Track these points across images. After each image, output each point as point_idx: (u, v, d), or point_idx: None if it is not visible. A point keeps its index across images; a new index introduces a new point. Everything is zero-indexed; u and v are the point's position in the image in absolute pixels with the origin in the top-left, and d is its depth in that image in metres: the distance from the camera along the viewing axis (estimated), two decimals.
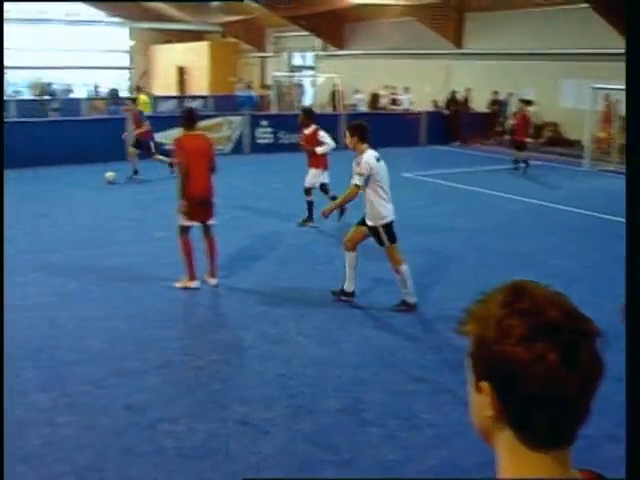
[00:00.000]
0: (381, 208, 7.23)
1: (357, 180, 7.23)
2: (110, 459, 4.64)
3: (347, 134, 7.53)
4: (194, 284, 7.93)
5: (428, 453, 4.77)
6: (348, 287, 7.55)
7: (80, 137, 17.65)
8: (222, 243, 8.55)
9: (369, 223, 7.30)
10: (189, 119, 8.12)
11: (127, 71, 41.56)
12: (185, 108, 8.69)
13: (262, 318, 7.14)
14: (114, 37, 40.33)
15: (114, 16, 38.79)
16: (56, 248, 9.82)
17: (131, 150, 15.74)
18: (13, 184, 14.74)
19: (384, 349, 6.43)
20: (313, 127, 11.22)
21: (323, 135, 11.06)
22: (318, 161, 11.11)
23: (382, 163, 7.37)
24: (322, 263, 8.94)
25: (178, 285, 7.94)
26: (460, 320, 1.26)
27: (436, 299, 7.74)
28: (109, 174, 14.90)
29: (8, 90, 36.80)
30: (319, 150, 11.00)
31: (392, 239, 7.29)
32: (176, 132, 7.94)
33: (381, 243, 7.33)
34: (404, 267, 7.28)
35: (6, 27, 35.77)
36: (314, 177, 11.13)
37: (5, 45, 33.65)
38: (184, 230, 7.92)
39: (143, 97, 24.38)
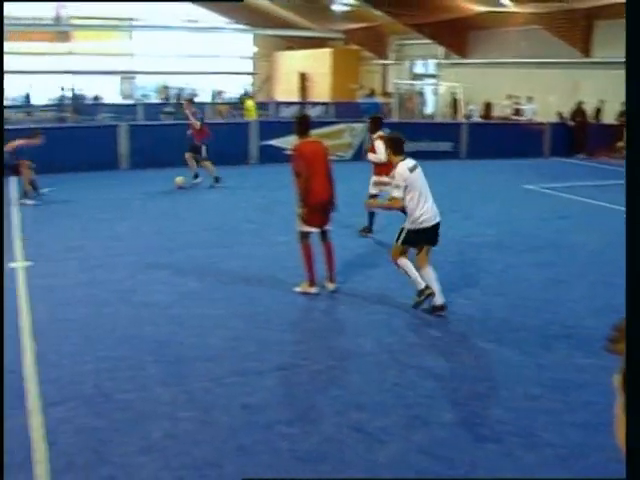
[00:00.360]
0: (416, 213, 7.29)
1: (395, 192, 7.32)
2: (227, 456, 4.72)
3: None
4: (314, 290, 8.00)
5: (546, 473, 4.63)
6: (437, 300, 7.46)
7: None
8: (340, 249, 8.60)
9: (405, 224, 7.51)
10: (304, 126, 8.10)
11: (250, 77, 42.45)
12: (298, 115, 8.69)
13: (380, 326, 7.13)
14: (239, 44, 41.32)
15: (239, 23, 39.73)
16: (179, 247, 10.14)
17: (188, 155, 15.38)
18: (140, 184, 15.33)
19: (502, 364, 6.30)
20: (379, 133, 10.70)
21: (378, 145, 10.48)
22: (381, 169, 10.36)
23: (417, 171, 7.39)
24: (441, 275, 8.84)
25: (298, 290, 8.03)
26: (610, 337, 1.20)
27: (558, 316, 7.52)
28: (178, 178, 14.98)
29: (137, 94, 38.38)
30: (368, 157, 10.76)
31: (407, 242, 7.44)
32: (294, 138, 8.05)
33: (397, 239, 7.49)
34: (402, 261, 7.45)
35: (137, 34, 37.36)
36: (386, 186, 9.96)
37: (132, 51, 35.21)
38: (304, 236, 8.00)
39: (249, 102, 24.79)
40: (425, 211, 7.31)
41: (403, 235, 7.42)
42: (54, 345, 6.55)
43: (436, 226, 7.43)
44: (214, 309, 7.52)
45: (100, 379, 5.83)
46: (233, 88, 36.73)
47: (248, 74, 42.51)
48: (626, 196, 2.52)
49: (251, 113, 23.90)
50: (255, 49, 42.03)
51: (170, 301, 7.78)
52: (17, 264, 9.20)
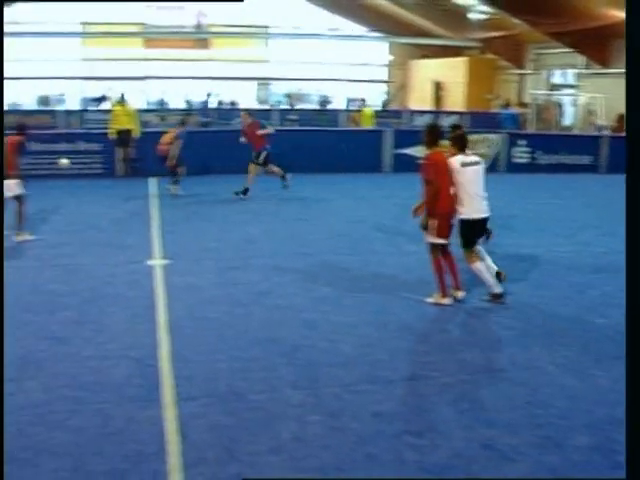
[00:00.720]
0: (461, 203, 7.83)
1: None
2: (355, 463, 4.73)
3: None
4: (446, 301, 7.93)
5: None
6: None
7: (333, 147, 18.31)
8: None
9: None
10: (434, 135, 8.05)
11: (385, 85, 42.55)
12: (429, 124, 8.67)
13: (512, 342, 6.97)
14: (374, 52, 41.50)
15: (375, 31, 39.90)
16: (312, 252, 10.29)
17: (271, 167, 15.10)
18: (275, 188, 15.60)
19: None
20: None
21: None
22: None
23: (471, 168, 7.88)
24: (577, 291, 8.58)
25: (430, 300, 7.98)
26: None
27: None
28: (63, 160, 14.37)
29: (272, 100, 39.19)
30: None
31: (469, 243, 7.93)
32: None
33: (462, 245, 8.11)
34: (476, 265, 7.95)
35: (273, 41, 38.29)
36: None
37: (267, 58, 36.03)
38: (436, 248, 7.94)
39: (367, 111, 24.68)
40: (468, 207, 7.81)
41: (462, 239, 7.96)
42: (190, 342, 6.77)
43: (485, 220, 7.97)
44: (346, 315, 7.57)
45: (233, 378, 5.97)
46: (368, 96, 36.84)
47: (382, 82, 42.60)
48: (626, 198, 2.41)
49: (367, 121, 23.79)
50: (391, 57, 42.06)
51: (302, 305, 7.89)
52: (155, 262, 9.58)
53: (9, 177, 10.74)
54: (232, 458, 4.75)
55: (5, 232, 10.88)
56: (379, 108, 32.16)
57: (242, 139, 15.12)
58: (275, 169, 15.22)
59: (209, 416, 5.33)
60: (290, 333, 7.04)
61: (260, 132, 14.86)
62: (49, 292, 8.34)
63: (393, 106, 35.70)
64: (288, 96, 37.98)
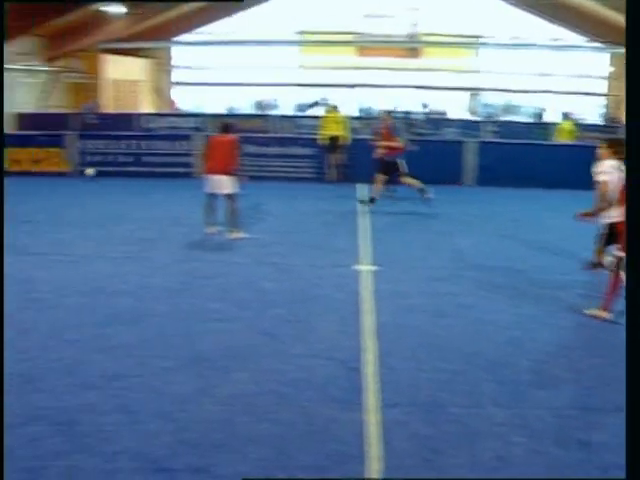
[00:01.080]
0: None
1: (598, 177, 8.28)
2: None
3: None
4: (606, 315, 7.67)
5: None
6: None
7: (542, 161, 17.80)
8: None
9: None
10: (615, 148, 8.26)
11: (602, 98, 40.76)
12: (609, 138, 8.73)
13: None
14: (594, 63, 39.88)
15: (596, 41, 38.31)
16: (520, 268, 10.06)
17: (379, 177, 14.43)
18: (485, 201, 15.39)
19: None
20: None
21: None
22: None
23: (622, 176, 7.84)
24: None
25: (590, 313, 7.84)
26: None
27: None
28: (89, 170, 14.67)
29: (482, 111, 38.71)
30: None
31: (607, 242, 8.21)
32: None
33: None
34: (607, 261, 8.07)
35: (484, 51, 37.71)
36: None
37: (478, 68, 35.32)
38: (620, 262, 7.54)
39: (565, 125, 23.44)
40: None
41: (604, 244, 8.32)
42: (394, 349, 6.82)
43: None
44: (554, 336, 7.34)
45: (435, 389, 5.96)
46: (585, 109, 35.46)
47: (600, 95, 40.77)
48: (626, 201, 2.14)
49: (564, 136, 22.61)
50: (611, 69, 40.16)
51: (508, 322, 7.73)
52: (363, 267, 9.74)
53: (227, 174, 11.30)
54: (431, 470, 4.74)
55: (219, 228, 11.53)
56: (591, 122, 30.83)
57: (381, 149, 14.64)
58: (380, 183, 14.65)
59: (410, 424, 5.34)
60: (494, 349, 6.92)
61: (387, 143, 14.52)
62: (260, 289, 8.72)
63: (612, 121, 34.09)
64: (489, 107, 37.44)
